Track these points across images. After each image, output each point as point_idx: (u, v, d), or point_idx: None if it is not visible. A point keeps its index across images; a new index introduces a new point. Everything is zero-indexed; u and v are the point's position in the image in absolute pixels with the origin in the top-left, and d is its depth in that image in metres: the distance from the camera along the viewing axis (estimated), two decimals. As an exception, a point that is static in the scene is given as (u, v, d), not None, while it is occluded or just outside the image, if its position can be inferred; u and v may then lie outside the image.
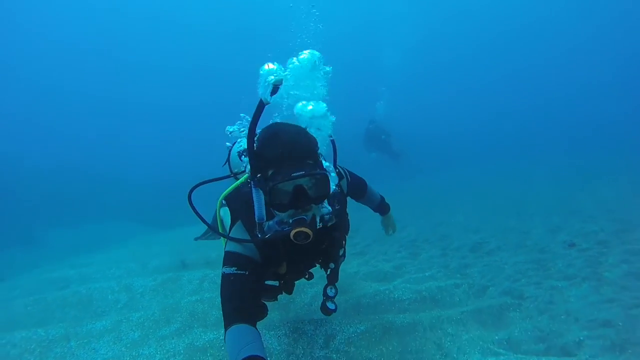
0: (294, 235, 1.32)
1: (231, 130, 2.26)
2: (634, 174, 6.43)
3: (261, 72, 1.44)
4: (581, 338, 1.74)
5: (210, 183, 1.75)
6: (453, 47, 24.35)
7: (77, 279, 4.13)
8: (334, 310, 1.71)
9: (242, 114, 2.32)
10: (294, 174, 1.29)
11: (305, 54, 1.57)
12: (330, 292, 1.74)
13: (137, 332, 2.49)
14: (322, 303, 1.73)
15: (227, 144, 2.21)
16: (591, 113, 16.14)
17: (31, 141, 15.83)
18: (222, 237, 1.68)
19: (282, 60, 1.58)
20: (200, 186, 1.70)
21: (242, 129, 2.24)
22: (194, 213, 1.60)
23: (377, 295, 2.72)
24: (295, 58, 1.59)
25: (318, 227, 1.40)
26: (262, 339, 1.69)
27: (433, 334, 2.04)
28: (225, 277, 1.46)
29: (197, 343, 2.00)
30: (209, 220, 1.94)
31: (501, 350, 1.78)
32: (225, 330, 1.38)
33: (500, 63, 24.01)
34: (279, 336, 2.03)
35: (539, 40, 23.42)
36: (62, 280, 4.07)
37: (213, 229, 1.70)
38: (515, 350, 1.79)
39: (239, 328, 1.35)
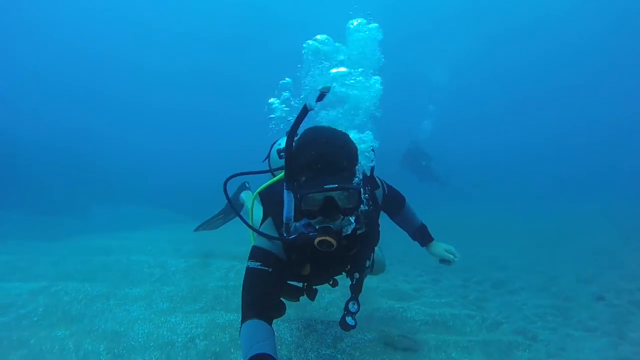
0: (318, 243, 1.33)
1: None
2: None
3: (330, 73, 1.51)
4: (585, 386, 1.75)
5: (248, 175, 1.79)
6: (505, 64, 23.41)
7: (118, 249, 4.54)
8: (354, 327, 1.65)
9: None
10: (327, 186, 1.28)
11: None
12: (353, 307, 1.68)
13: (165, 304, 2.76)
14: (341, 318, 1.68)
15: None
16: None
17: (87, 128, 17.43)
18: (250, 230, 1.69)
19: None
20: (236, 177, 1.74)
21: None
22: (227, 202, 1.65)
23: (390, 311, 2.81)
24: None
25: (344, 235, 1.39)
26: (276, 330, 1.83)
27: (437, 354, 2.11)
28: (249, 270, 1.49)
29: (218, 321, 2.21)
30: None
31: (501, 382, 1.82)
32: (242, 323, 1.40)
33: (556, 83, 22.65)
34: (291, 329, 2.19)
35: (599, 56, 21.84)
36: (105, 248, 4.50)
37: (244, 220, 1.72)
38: (514, 385, 1.82)
39: (254, 323, 1.37)
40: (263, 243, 1.52)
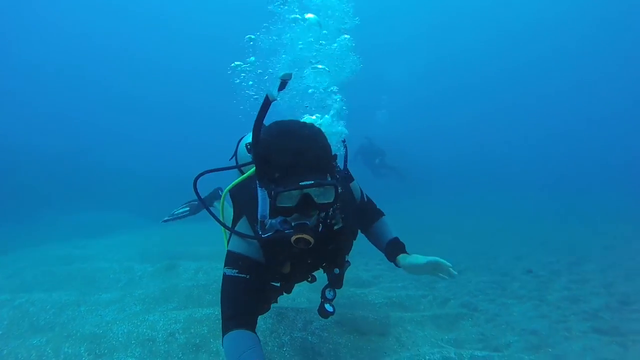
0: (294, 241, 1.28)
1: None
2: (609, 215, 6.92)
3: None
4: (511, 341, 2.13)
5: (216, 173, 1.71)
6: (460, 65, 24.99)
7: (80, 257, 4.44)
8: (332, 313, 1.65)
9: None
10: (302, 183, 1.23)
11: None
12: (329, 294, 1.68)
13: (139, 306, 2.83)
14: (320, 305, 1.67)
15: None
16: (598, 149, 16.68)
17: (36, 126, 16.21)
18: (225, 230, 1.65)
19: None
20: (204, 175, 1.66)
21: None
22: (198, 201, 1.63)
23: (353, 296, 3.09)
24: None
25: (321, 231, 1.37)
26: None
27: (395, 329, 2.41)
28: (226, 279, 1.44)
29: (196, 315, 2.34)
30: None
31: (446, 346, 2.16)
32: (223, 335, 1.36)
33: (512, 86, 24.43)
34: (264, 317, 2.38)
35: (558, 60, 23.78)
36: (66, 258, 4.38)
37: (217, 219, 1.65)
38: (458, 347, 2.17)
39: (236, 334, 1.34)
40: (238, 247, 1.47)
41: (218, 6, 22.03)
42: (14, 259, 4.47)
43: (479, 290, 3.28)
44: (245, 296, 1.42)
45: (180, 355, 2.06)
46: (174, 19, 22.86)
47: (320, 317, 1.71)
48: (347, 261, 1.74)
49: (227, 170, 1.88)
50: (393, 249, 1.86)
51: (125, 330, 2.22)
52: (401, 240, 1.90)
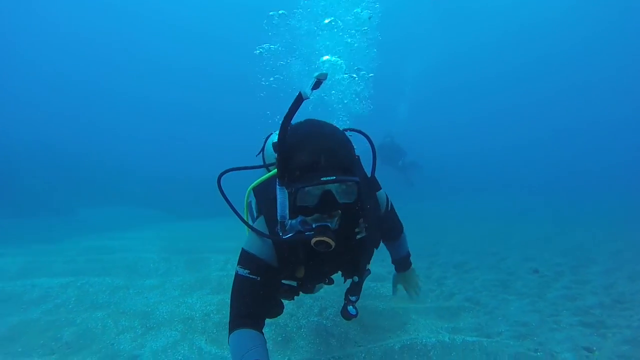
0: (314, 243, 1.24)
1: None
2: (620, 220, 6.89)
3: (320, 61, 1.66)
4: (502, 330, 2.39)
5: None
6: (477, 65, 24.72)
7: (119, 248, 4.96)
8: (355, 316, 1.63)
9: None
10: (324, 179, 1.20)
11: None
12: (353, 297, 1.68)
13: (177, 291, 3.26)
14: (343, 307, 1.66)
15: None
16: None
17: (66, 129, 17.33)
18: (245, 226, 1.62)
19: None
20: (229, 172, 1.60)
21: None
22: (224, 200, 1.54)
23: (366, 289, 3.40)
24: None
25: (343, 239, 1.33)
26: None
27: (401, 317, 2.71)
28: (237, 277, 1.45)
29: (227, 300, 2.72)
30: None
31: (443, 332, 2.44)
32: (230, 332, 1.38)
33: (533, 87, 24.08)
34: (285, 303, 2.74)
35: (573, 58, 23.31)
36: (107, 248, 4.91)
37: (239, 216, 1.60)
38: (454, 333, 2.45)
39: (242, 333, 1.36)
40: (252, 247, 1.47)
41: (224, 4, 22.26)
42: (66, 248, 5.04)
43: (484, 287, 3.51)
44: (255, 297, 1.42)
45: (214, 331, 2.45)
46: (186, 19, 23.35)
47: (343, 319, 1.68)
48: (368, 269, 1.70)
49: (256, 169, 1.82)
50: (399, 266, 2.42)
51: (168, 310, 2.64)
52: (410, 258, 2.35)
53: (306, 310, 2.68)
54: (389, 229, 2.02)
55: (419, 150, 12.24)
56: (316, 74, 1.19)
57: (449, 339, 2.19)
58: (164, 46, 24.26)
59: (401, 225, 2.11)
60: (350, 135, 1.53)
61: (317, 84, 1.20)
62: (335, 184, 1.25)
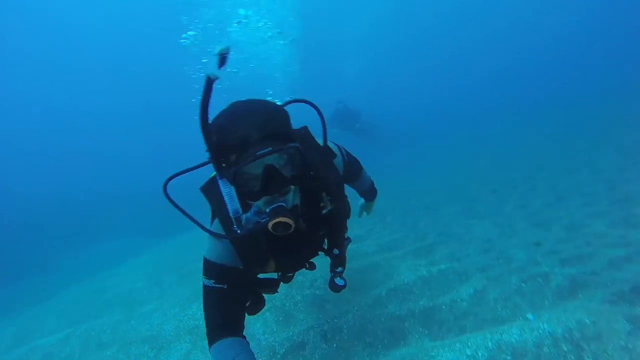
0: (272, 228, 1.15)
1: None
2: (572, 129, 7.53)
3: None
4: (469, 252, 2.72)
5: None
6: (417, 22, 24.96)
7: (109, 286, 4.95)
8: (344, 287, 1.59)
9: None
10: (259, 152, 1.08)
11: None
12: (339, 268, 1.64)
13: (176, 308, 3.38)
14: (330, 280, 1.61)
15: None
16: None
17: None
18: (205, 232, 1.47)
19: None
20: (175, 177, 1.37)
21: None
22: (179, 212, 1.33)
23: (349, 251, 3.63)
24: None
25: (308, 217, 1.28)
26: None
27: (383, 267, 2.98)
28: (204, 289, 1.38)
29: (224, 300, 2.90)
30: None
31: (421, 268, 2.73)
32: (209, 346, 1.34)
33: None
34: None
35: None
36: (97, 290, 4.88)
37: (194, 221, 1.39)
38: (431, 266, 2.74)
39: (223, 343, 1.32)
40: (212, 253, 1.38)
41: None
42: (53, 304, 4.98)
43: (452, 219, 3.86)
44: (226, 306, 1.37)
45: (221, 332, 2.62)
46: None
47: (331, 291, 1.61)
48: (348, 238, 1.68)
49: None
50: (367, 196, 2.36)
51: (173, 326, 2.77)
52: (375, 186, 2.26)
53: (298, 287, 2.89)
54: (351, 171, 1.90)
55: (373, 110, 12.46)
56: (217, 49, 1.07)
57: (426, 272, 2.47)
58: (78, 47, 22.15)
59: (359, 164, 2.00)
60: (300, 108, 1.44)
61: (223, 60, 1.07)
62: (274, 155, 1.14)
